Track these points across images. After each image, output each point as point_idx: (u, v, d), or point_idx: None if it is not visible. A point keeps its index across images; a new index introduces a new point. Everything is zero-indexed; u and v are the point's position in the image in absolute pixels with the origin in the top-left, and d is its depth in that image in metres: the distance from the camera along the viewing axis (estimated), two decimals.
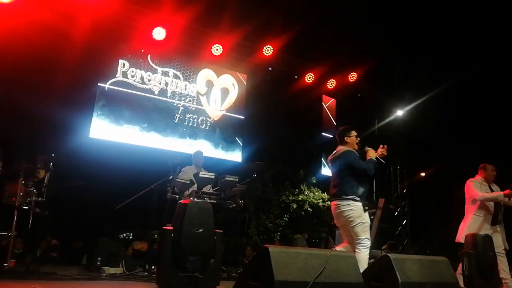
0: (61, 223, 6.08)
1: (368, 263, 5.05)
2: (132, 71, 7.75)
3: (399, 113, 10.57)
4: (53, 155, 4.76)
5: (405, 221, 10.27)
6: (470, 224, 4.88)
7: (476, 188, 4.94)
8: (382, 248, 7.53)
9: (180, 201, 3.95)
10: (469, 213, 4.98)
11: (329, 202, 9.08)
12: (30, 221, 4.59)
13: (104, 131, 7.35)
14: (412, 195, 10.61)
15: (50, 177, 4.78)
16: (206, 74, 8.61)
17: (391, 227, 9.81)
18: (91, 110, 7.27)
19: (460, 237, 4.85)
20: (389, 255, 3.46)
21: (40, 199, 4.65)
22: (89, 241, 6.71)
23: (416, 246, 10.25)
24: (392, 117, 10.61)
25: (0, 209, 4.54)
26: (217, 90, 8.72)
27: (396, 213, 10.23)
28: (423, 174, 13.33)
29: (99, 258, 5.12)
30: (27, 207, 4.54)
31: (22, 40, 6.45)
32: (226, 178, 4.92)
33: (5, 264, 4.14)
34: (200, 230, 3.63)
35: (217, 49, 8.12)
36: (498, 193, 4.88)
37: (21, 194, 4.44)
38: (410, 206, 10.44)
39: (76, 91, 6.99)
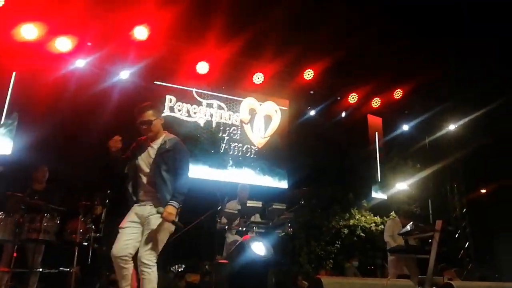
0: None
1: None
2: (179, 105, 8.07)
3: (451, 127, 10.07)
4: (109, 191, 4.99)
5: (467, 243, 9.59)
6: None
7: None
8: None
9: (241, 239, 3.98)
10: None
11: (382, 226, 8.77)
12: (90, 257, 4.81)
13: None
14: (472, 214, 9.91)
15: (106, 213, 5.01)
16: (248, 102, 8.77)
17: (453, 251, 9.19)
18: None
19: None
20: (452, 283, 3.23)
21: (98, 234, 4.88)
22: None
23: (482, 271, 9.50)
24: (443, 132, 10.12)
25: (62, 245, 4.80)
26: (260, 117, 8.82)
27: (456, 235, 9.59)
28: (483, 191, 12.44)
29: None
30: (86, 243, 4.78)
31: (78, 84, 6.98)
32: (274, 206, 4.90)
33: None
34: None
35: (258, 78, 8.28)
36: None
37: (81, 230, 4.68)
38: (472, 226, 9.75)
39: (129, 129, 7.36)
